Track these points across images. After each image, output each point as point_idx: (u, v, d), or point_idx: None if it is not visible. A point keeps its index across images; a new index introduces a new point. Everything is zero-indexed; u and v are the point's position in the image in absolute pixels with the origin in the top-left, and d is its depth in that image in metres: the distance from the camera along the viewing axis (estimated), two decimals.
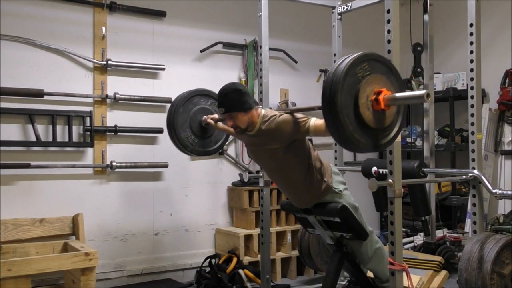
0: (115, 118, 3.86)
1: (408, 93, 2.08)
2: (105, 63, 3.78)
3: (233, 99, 2.61)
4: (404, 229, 4.36)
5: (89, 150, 3.75)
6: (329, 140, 3.95)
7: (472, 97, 3.01)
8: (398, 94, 2.04)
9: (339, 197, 2.75)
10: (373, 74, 2.04)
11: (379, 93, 2.02)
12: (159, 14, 4.07)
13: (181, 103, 3.19)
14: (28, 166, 3.46)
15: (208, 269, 4.02)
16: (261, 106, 2.75)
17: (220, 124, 3.15)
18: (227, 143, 4.33)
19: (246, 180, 4.15)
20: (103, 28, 3.81)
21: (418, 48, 3.79)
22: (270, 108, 3.05)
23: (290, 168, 2.67)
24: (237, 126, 2.66)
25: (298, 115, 2.62)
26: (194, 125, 3.22)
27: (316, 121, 2.53)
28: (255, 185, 4.07)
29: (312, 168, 2.70)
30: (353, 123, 1.99)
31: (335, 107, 1.94)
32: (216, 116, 3.17)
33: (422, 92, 1.92)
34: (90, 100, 3.77)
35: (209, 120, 3.19)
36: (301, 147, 2.67)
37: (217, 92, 2.75)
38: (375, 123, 2.03)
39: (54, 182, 3.62)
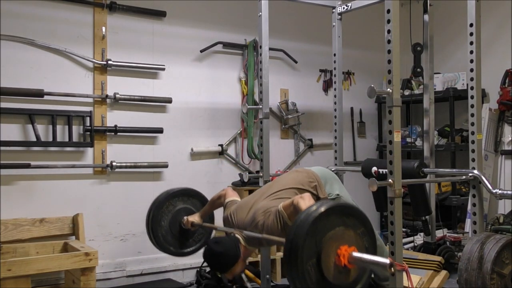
0: (115, 118, 3.86)
1: (372, 258, 1.93)
2: (105, 63, 3.78)
3: (223, 263, 2.52)
4: (404, 229, 4.36)
5: (89, 150, 3.75)
6: (329, 140, 3.95)
7: (472, 97, 3.01)
8: (363, 256, 1.92)
9: (337, 201, 2.76)
10: (330, 232, 1.92)
11: (343, 249, 1.92)
12: (159, 14, 4.07)
13: (158, 207, 3.04)
14: (28, 166, 3.46)
15: (208, 269, 4.02)
16: (241, 239, 2.59)
17: (199, 222, 3.04)
18: (226, 142, 4.35)
19: (246, 180, 4.14)
20: (103, 28, 3.81)
21: (418, 48, 3.79)
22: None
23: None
24: (240, 270, 2.62)
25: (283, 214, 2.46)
26: (174, 228, 3.08)
27: (284, 206, 2.45)
28: (255, 185, 4.06)
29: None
30: (314, 276, 1.88)
31: (296, 258, 1.84)
32: (196, 218, 3.05)
33: (386, 261, 1.84)
34: (90, 100, 3.77)
35: (189, 224, 3.04)
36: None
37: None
38: (337, 279, 1.93)
39: (54, 182, 3.62)
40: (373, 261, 1.90)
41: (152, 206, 3.06)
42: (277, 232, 2.43)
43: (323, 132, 4.93)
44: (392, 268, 1.82)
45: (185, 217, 3.07)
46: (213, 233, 3.30)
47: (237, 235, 2.58)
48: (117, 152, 3.85)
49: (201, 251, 2.76)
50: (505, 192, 2.75)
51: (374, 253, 2.03)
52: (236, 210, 2.72)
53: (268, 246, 2.65)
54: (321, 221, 1.89)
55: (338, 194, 2.78)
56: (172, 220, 3.08)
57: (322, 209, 1.91)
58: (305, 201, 2.28)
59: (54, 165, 3.57)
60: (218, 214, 3.04)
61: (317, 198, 2.71)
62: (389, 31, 2.33)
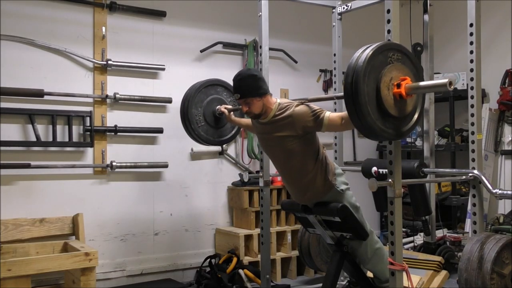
0: (115, 118, 3.86)
1: (431, 82, 2.15)
2: (105, 63, 3.78)
3: (248, 85, 2.65)
4: (404, 229, 4.36)
5: (89, 150, 3.75)
6: (329, 140, 3.95)
7: (472, 97, 3.01)
8: (421, 83, 2.08)
9: (340, 197, 2.75)
10: (395, 63, 2.08)
11: (400, 82, 2.06)
12: (159, 14, 4.07)
13: (194, 93, 3.27)
14: (28, 166, 3.46)
15: (208, 269, 4.02)
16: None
17: (232, 116, 3.23)
18: (225, 144, 4.35)
19: (246, 180, 4.15)
20: (103, 28, 3.81)
21: (418, 48, 3.79)
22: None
23: (297, 159, 2.68)
24: (251, 112, 2.70)
25: (314, 106, 2.65)
26: (208, 115, 3.30)
27: (331, 115, 2.60)
28: (255, 185, 4.07)
29: (318, 163, 2.71)
30: (375, 112, 2.02)
31: (358, 97, 1.98)
32: (230, 106, 3.26)
33: (445, 80, 1.94)
34: (90, 100, 3.77)
35: (223, 109, 3.25)
36: (312, 141, 2.70)
37: (231, 82, 2.78)
38: (397, 111, 2.07)
39: (54, 182, 3.62)
40: (433, 85, 2.12)
41: (185, 97, 3.29)
42: (306, 118, 2.59)
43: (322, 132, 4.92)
44: (451, 85, 1.93)
45: (218, 106, 3.30)
46: None
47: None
48: (117, 152, 3.85)
49: None
50: (505, 192, 2.75)
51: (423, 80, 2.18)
52: None
53: (274, 142, 2.76)
54: (376, 57, 2.03)
55: (342, 190, 2.76)
56: (206, 110, 3.30)
57: (375, 45, 2.05)
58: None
59: (54, 165, 3.57)
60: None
61: (325, 177, 2.76)
62: (389, 31, 2.33)
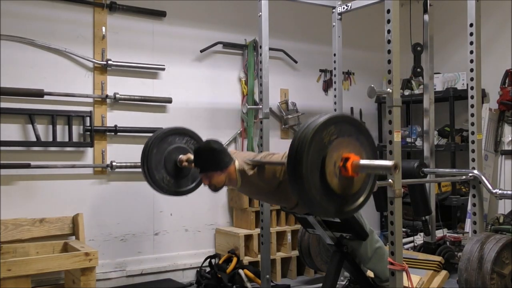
0: (115, 118, 3.86)
1: (375, 162, 1.95)
2: (105, 63, 3.78)
3: (208, 159, 2.54)
4: (404, 229, 4.35)
5: (89, 150, 3.75)
6: None
7: (472, 97, 3.01)
8: (366, 162, 1.94)
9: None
10: (341, 138, 1.95)
11: (346, 159, 1.93)
12: (159, 14, 4.07)
13: (155, 143, 3.05)
14: (28, 166, 3.46)
15: (208, 269, 4.02)
16: (237, 163, 2.63)
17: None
18: (226, 142, 4.35)
19: None
20: (103, 28, 3.81)
21: (418, 48, 3.79)
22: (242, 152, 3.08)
23: (282, 196, 2.62)
24: (213, 185, 2.60)
25: (275, 158, 2.55)
26: (169, 165, 3.07)
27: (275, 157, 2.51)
28: None
29: None
30: (318, 186, 1.89)
31: (300, 168, 1.85)
32: (191, 156, 3.02)
33: (390, 163, 1.84)
34: (90, 100, 3.77)
35: (184, 162, 3.05)
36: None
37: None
38: (341, 189, 1.94)
39: (54, 182, 3.62)
40: (378, 165, 1.92)
41: (147, 144, 3.06)
42: (277, 169, 2.47)
43: None
44: (396, 169, 1.82)
45: (180, 156, 3.07)
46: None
47: (235, 158, 2.61)
48: (117, 152, 3.85)
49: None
50: (505, 192, 2.75)
51: (374, 151, 2.09)
52: (239, 152, 2.78)
53: (256, 188, 2.64)
54: (325, 128, 1.92)
55: None
56: (168, 158, 3.06)
57: (327, 117, 1.94)
58: None
59: (54, 165, 3.57)
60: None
61: None
62: (389, 31, 2.33)
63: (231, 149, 2.86)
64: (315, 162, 1.88)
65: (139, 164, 3.87)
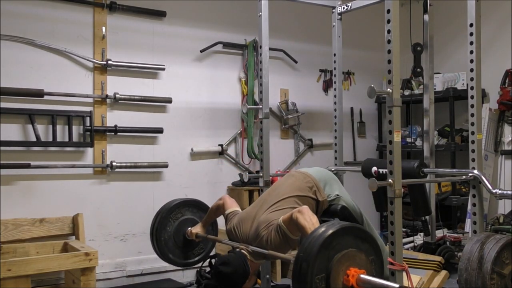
0: (115, 118, 3.86)
1: (380, 282, 1.87)
2: (105, 63, 3.78)
3: (234, 282, 2.48)
4: (404, 229, 4.35)
5: (89, 150, 3.75)
6: (329, 140, 3.95)
7: (472, 97, 3.01)
8: (372, 279, 1.87)
9: (337, 201, 2.77)
10: (343, 251, 1.89)
11: (351, 273, 1.88)
12: (159, 14, 4.07)
13: (166, 214, 3.02)
14: (28, 166, 3.46)
15: (208, 269, 4.01)
16: (247, 255, 2.54)
17: (203, 233, 3.01)
18: (226, 142, 4.35)
19: (246, 180, 4.13)
20: (103, 28, 3.81)
21: (418, 48, 3.78)
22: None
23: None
24: (252, 284, 2.58)
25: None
26: (178, 237, 3.04)
27: (282, 219, 2.45)
28: (255, 185, 4.06)
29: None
30: None
31: (305, 280, 1.81)
32: (199, 229, 3.00)
33: (395, 285, 1.80)
34: (90, 100, 3.77)
35: (194, 238, 3.00)
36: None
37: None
38: None
39: (54, 182, 3.62)
40: (382, 285, 1.86)
41: (157, 216, 3.02)
42: (281, 245, 2.45)
43: (323, 132, 4.93)
44: None
45: (189, 229, 3.02)
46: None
47: (243, 251, 2.54)
48: (117, 152, 3.85)
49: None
50: (505, 192, 2.74)
51: (378, 253, 2.02)
52: (239, 223, 2.68)
53: (274, 259, 2.65)
54: (333, 240, 1.88)
55: (337, 195, 2.78)
56: (176, 231, 3.03)
57: (334, 229, 1.89)
58: (304, 216, 2.29)
59: (54, 165, 3.57)
60: (220, 220, 3.03)
61: (316, 201, 2.71)
62: (389, 31, 2.33)
63: (227, 226, 2.79)
64: (321, 273, 1.84)
65: (139, 164, 3.91)
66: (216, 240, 3.05)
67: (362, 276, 1.88)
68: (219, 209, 2.91)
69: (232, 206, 2.87)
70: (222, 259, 2.53)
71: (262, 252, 2.47)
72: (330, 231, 1.87)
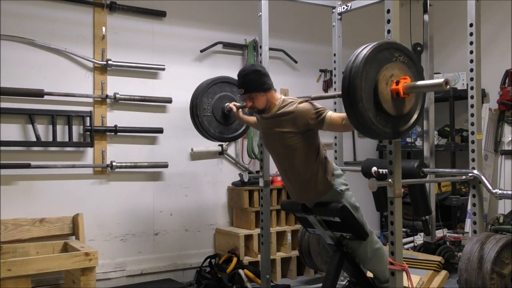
0: (115, 118, 3.86)
1: (427, 82, 2.13)
2: (105, 63, 3.78)
3: (252, 80, 2.69)
4: (404, 229, 4.36)
5: (89, 150, 3.75)
6: (329, 140, 3.95)
7: (472, 97, 3.01)
8: (417, 82, 2.07)
9: (339, 197, 2.75)
10: (399, 63, 2.09)
11: (398, 81, 2.06)
12: (159, 14, 4.07)
13: (205, 89, 3.30)
14: (28, 166, 3.46)
15: (208, 269, 4.02)
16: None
17: (240, 113, 3.25)
18: (226, 143, 4.35)
19: (246, 180, 4.15)
20: (103, 28, 3.81)
21: (418, 48, 3.79)
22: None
23: (297, 156, 2.70)
24: (255, 107, 2.74)
25: (317, 105, 2.69)
26: (217, 111, 3.34)
27: (332, 114, 2.64)
28: (255, 185, 4.07)
29: (318, 162, 2.72)
30: (372, 110, 2.01)
31: (354, 93, 1.97)
32: (238, 104, 3.28)
33: (441, 80, 1.94)
34: (90, 100, 3.77)
35: (231, 105, 3.27)
36: (313, 139, 2.73)
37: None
38: (394, 110, 2.06)
39: (54, 182, 3.62)
40: (429, 84, 2.11)
41: (197, 91, 3.31)
42: (308, 116, 2.64)
43: (323, 132, 4.91)
44: (447, 85, 1.92)
45: (227, 104, 3.31)
46: None
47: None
48: (117, 152, 3.85)
49: None
50: (505, 192, 2.75)
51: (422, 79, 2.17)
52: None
53: (277, 142, 2.80)
54: (375, 55, 2.03)
55: (341, 190, 2.76)
56: (215, 105, 3.33)
57: (382, 41, 2.08)
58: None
59: (54, 165, 3.57)
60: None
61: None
62: (389, 31, 2.33)
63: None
64: (368, 85, 2.01)
65: (139, 164, 3.91)
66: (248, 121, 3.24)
67: (408, 83, 2.05)
68: None
69: None
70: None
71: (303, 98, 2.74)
72: (367, 50, 2.02)
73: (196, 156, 4.24)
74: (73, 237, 3.59)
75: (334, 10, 3.78)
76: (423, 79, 2.19)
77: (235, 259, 3.89)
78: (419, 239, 4.16)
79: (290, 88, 4.77)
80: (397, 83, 2.06)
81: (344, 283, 3.53)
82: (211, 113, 3.32)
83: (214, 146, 4.31)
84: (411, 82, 2.08)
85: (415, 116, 2.17)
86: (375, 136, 2.15)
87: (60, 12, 3.69)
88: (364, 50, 2.04)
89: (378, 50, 2.05)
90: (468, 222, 4.28)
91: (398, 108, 2.08)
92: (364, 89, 1.99)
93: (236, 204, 4.26)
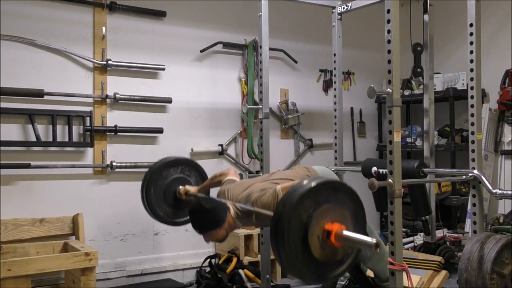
0: (115, 118, 3.86)
1: (358, 237, 1.82)
2: (105, 63, 3.78)
3: (203, 221, 2.49)
4: (404, 229, 4.35)
5: (89, 150, 3.75)
6: (329, 140, 3.96)
7: (472, 97, 3.01)
8: (347, 234, 1.83)
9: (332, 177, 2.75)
10: (319, 208, 1.83)
11: (329, 232, 1.83)
12: (159, 14, 4.07)
13: (151, 180, 3.08)
14: (28, 166, 3.46)
15: (208, 269, 4.02)
16: (231, 209, 2.51)
17: (193, 192, 3.05)
18: (226, 142, 4.35)
19: None
20: (103, 28, 3.81)
21: (418, 48, 3.78)
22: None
23: None
24: (218, 240, 2.56)
25: (266, 198, 2.44)
26: (169, 196, 3.11)
27: (281, 186, 2.43)
28: None
29: None
30: (300, 255, 1.81)
31: (282, 238, 1.78)
32: (189, 189, 3.06)
33: (372, 241, 1.74)
34: (90, 100, 3.77)
35: (183, 196, 3.07)
36: None
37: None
38: (325, 258, 1.86)
39: (54, 182, 3.62)
40: (360, 241, 1.81)
41: (149, 172, 3.09)
42: (269, 210, 2.34)
43: (323, 132, 4.93)
44: (378, 248, 1.73)
45: (180, 187, 3.06)
46: None
47: (229, 205, 2.51)
48: (117, 152, 3.85)
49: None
50: (505, 192, 2.75)
51: (362, 215, 1.96)
52: (233, 187, 2.67)
53: (255, 224, 2.66)
54: (312, 194, 1.82)
55: None
56: (167, 188, 3.08)
57: (315, 183, 1.84)
58: None
59: (54, 165, 3.57)
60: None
61: None
62: (389, 31, 2.33)
63: (221, 187, 2.80)
64: (296, 239, 1.80)
65: (139, 164, 3.91)
66: (204, 198, 2.96)
67: (343, 232, 1.82)
68: (222, 176, 2.91)
69: (234, 176, 2.88)
70: (207, 198, 2.53)
71: (247, 208, 2.42)
72: (304, 189, 1.81)
73: (196, 156, 4.24)
74: (73, 237, 3.59)
75: (334, 10, 3.78)
76: (364, 230, 1.96)
77: (235, 259, 3.89)
78: (419, 239, 4.16)
79: (290, 88, 4.77)
80: (329, 234, 1.82)
81: (344, 283, 3.53)
82: (163, 201, 3.09)
83: (214, 146, 4.31)
84: (343, 232, 1.83)
85: (347, 262, 1.96)
86: (298, 277, 1.98)
87: (60, 12, 3.69)
88: (306, 186, 1.83)
89: (305, 197, 1.81)
90: (468, 222, 4.28)
91: (329, 256, 1.87)
92: (292, 242, 1.78)
93: None
